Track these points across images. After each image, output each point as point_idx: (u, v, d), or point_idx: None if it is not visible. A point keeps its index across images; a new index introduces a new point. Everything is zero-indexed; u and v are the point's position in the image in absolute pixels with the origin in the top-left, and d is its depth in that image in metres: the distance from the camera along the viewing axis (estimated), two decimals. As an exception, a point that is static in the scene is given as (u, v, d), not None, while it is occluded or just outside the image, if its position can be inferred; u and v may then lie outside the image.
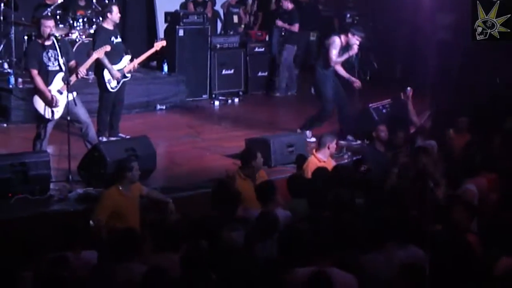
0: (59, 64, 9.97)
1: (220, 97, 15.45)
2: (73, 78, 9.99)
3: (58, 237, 6.79)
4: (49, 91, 9.84)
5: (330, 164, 9.75)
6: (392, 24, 17.87)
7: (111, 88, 11.45)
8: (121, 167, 8.48)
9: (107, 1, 14.70)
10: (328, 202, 7.51)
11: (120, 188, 8.32)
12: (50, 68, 9.93)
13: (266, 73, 16.43)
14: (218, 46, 15.63)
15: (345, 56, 12.20)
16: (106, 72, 11.34)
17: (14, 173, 9.04)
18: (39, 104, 9.89)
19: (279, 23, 16.29)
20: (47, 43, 9.93)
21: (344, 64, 12.63)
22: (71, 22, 14.28)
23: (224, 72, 15.70)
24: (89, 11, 14.64)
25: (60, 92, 9.93)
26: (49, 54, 9.93)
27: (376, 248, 6.44)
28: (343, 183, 8.20)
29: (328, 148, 9.95)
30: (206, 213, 7.72)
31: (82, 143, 10.33)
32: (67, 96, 9.86)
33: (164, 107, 14.40)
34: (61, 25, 14.22)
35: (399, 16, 17.30)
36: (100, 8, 14.55)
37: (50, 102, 9.85)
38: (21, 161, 9.16)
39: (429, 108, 12.30)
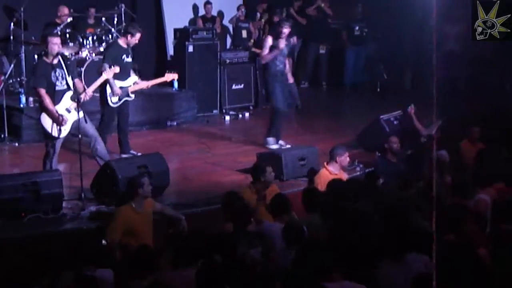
0: (67, 83, 9.98)
1: (230, 112, 15.46)
2: (81, 97, 10.01)
3: (72, 256, 6.79)
4: (56, 111, 9.86)
5: (342, 176, 9.76)
6: (401, 35, 17.89)
7: (112, 102, 11.35)
8: (132, 184, 8.48)
9: (116, 20, 14.76)
10: (342, 214, 7.51)
11: (133, 205, 8.32)
12: (57, 88, 9.91)
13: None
14: (228, 61, 15.66)
15: (278, 49, 12.21)
16: (108, 86, 11.29)
17: (26, 192, 9.04)
18: (46, 122, 9.88)
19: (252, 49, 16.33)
20: (55, 61, 9.94)
21: None
22: (81, 40, 14.33)
23: (234, 86, 15.71)
24: (99, 29, 14.70)
25: (68, 111, 9.93)
26: (57, 73, 9.92)
27: (390, 259, 6.43)
28: (356, 196, 8.20)
29: (336, 161, 9.97)
30: (219, 227, 7.74)
31: (94, 161, 10.34)
32: (78, 114, 9.87)
33: (175, 123, 14.41)
34: (70, 44, 14.28)
35: (408, 28, 17.33)
36: (109, 27, 14.61)
37: (57, 121, 9.86)
38: (33, 180, 9.17)
39: (438, 119, 12.26)
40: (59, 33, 13.52)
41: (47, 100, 9.83)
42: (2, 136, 12.60)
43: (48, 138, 10.01)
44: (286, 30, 12.22)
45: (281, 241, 7.23)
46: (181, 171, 11.34)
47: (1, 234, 8.59)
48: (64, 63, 9.99)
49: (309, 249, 6.22)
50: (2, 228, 8.74)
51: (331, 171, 9.88)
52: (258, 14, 17.94)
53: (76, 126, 9.83)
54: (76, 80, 10.18)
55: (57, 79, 9.91)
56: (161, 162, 10.17)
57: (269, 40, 12.29)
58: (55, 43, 9.92)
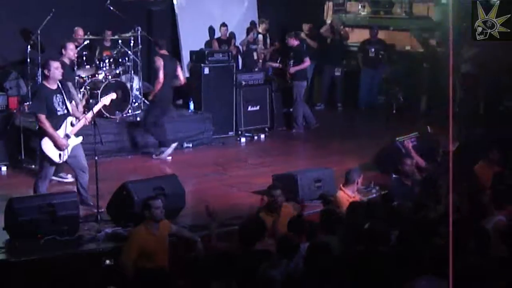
0: (66, 108, 10.01)
1: (246, 134, 15.46)
2: (81, 123, 10.06)
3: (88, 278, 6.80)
4: (58, 135, 9.90)
5: (358, 199, 9.75)
6: (417, 57, 17.89)
7: None
8: (143, 206, 8.46)
9: (132, 43, 14.83)
10: (362, 236, 7.48)
11: (148, 227, 8.29)
12: (59, 113, 9.96)
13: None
14: (244, 83, 15.67)
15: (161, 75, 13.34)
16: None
17: (42, 214, 9.07)
18: (47, 147, 9.89)
19: (291, 69, 16.23)
20: (54, 87, 9.95)
21: None
22: (97, 63, 14.41)
23: (249, 108, 15.73)
24: (115, 52, 14.77)
25: (68, 136, 9.97)
26: (58, 99, 9.94)
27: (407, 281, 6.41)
28: (376, 217, 8.17)
29: (357, 183, 9.97)
30: (234, 249, 7.72)
31: (111, 183, 10.38)
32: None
33: (190, 145, 14.42)
34: (87, 66, 14.37)
35: (423, 49, 17.33)
36: (126, 49, 14.68)
37: (60, 145, 9.90)
38: (49, 202, 9.20)
39: (455, 141, 12.23)
40: (75, 55, 13.66)
41: (47, 125, 9.82)
42: (19, 158, 12.65)
43: (46, 162, 10.01)
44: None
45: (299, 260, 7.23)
46: (197, 193, 11.35)
47: (18, 256, 8.61)
48: (62, 87, 10.02)
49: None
50: (19, 250, 8.77)
51: (349, 194, 9.87)
52: (260, 36, 17.92)
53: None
54: (72, 104, 10.22)
55: (58, 104, 9.93)
56: (177, 184, 10.19)
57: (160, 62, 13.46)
58: (56, 67, 9.92)
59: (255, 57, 17.32)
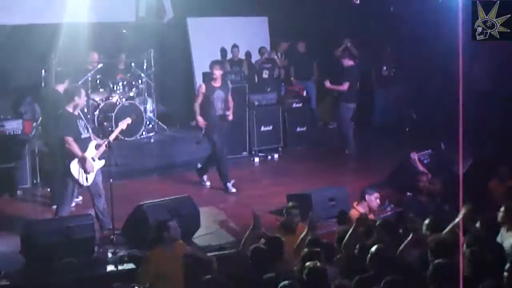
0: (89, 132, 10.16)
1: (259, 154, 15.51)
2: (102, 148, 10.18)
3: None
4: (86, 157, 10.00)
5: (371, 217, 9.76)
6: (430, 76, 17.87)
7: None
8: (158, 227, 8.49)
9: (145, 66, 14.92)
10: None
11: (163, 249, 8.33)
12: (83, 136, 10.11)
13: (304, 128, 16.49)
14: (256, 103, 15.73)
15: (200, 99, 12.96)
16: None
17: (59, 237, 9.11)
18: (75, 169, 10.01)
19: (327, 84, 16.14)
20: (76, 112, 10.16)
21: None
22: (111, 86, 14.50)
23: (262, 128, 15.78)
24: (129, 75, 14.87)
25: (93, 159, 10.09)
26: (81, 123, 10.14)
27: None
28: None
29: (373, 202, 9.97)
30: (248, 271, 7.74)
31: (126, 205, 10.42)
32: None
33: (204, 166, 14.45)
34: (101, 89, 14.46)
35: (436, 68, 17.31)
36: (139, 72, 14.78)
37: (89, 168, 9.99)
38: (65, 225, 9.25)
39: (469, 158, 12.22)
40: (89, 79, 13.77)
41: (75, 147, 9.96)
42: (35, 181, 12.73)
43: (70, 185, 10.10)
44: (217, 72, 12.70)
45: None
46: (211, 214, 11.37)
47: (35, 279, 8.66)
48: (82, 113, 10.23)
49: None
50: (35, 273, 8.81)
51: (361, 212, 9.87)
52: (279, 54, 18.02)
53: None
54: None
55: (82, 128, 10.09)
56: (191, 205, 10.24)
57: (202, 88, 12.88)
58: (85, 96, 10.19)
59: (265, 76, 17.34)
